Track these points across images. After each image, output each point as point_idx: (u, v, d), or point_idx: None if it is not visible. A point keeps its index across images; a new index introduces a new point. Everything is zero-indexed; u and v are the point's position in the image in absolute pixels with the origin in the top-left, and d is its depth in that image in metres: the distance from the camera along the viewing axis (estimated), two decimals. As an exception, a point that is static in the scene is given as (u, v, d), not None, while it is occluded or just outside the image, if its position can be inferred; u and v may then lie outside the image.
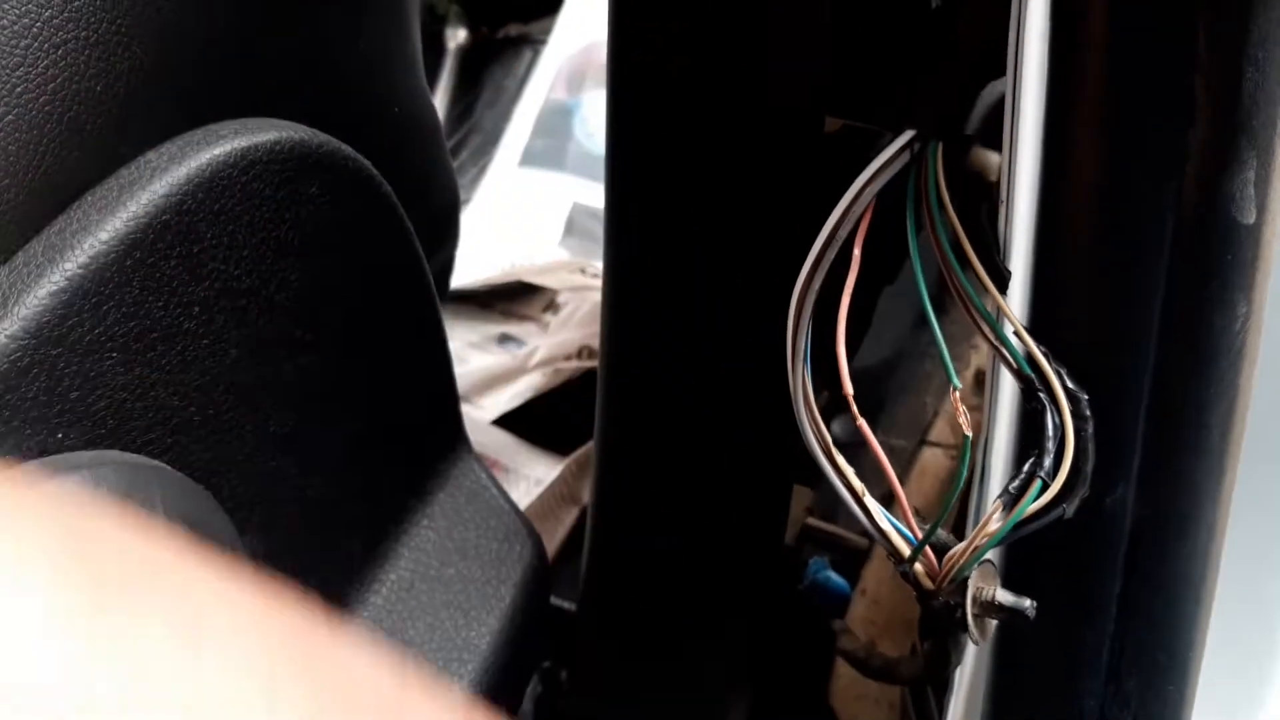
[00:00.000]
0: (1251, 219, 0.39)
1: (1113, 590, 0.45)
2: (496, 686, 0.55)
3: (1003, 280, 0.43)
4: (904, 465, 0.79)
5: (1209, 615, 0.47)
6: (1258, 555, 0.62)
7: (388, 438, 0.54)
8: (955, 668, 0.52)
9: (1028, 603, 0.43)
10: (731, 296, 0.56)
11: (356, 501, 0.53)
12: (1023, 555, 0.46)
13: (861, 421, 0.41)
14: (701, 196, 0.54)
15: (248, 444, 0.45)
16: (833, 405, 0.98)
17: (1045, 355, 0.42)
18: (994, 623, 0.46)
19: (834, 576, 0.72)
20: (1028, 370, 0.42)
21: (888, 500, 0.48)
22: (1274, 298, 0.41)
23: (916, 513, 0.46)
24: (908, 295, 0.54)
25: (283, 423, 0.46)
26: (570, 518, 0.94)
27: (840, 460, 0.44)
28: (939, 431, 0.80)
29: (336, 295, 0.48)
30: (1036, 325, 0.43)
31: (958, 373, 0.82)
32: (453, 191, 0.61)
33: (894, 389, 0.88)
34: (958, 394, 0.39)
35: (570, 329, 1.11)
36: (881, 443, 0.85)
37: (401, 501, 0.56)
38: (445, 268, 0.62)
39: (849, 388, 0.41)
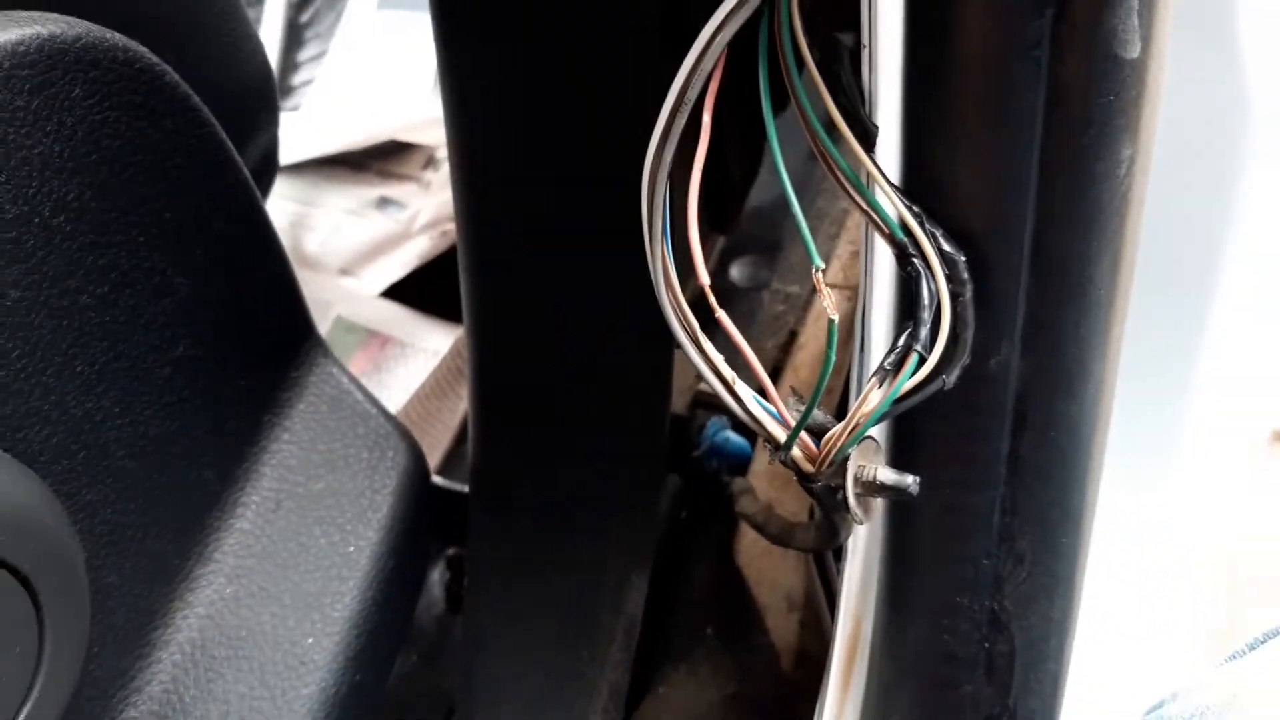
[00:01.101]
0: (1135, 53, 0.35)
1: (1000, 452, 0.43)
2: (383, 597, 0.53)
3: (869, 138, 0.38)
4: (800, 310, 0.77)
5: (1100, 468, 0.46)
6: (1148, 386, 0.61)
7: (226, 354, 0.49)
8: (847, 538, 0.50)
9: (910, 479, 0.41)
10: (586, 168, 0.52)
11: (201, 428, 0.48)
12: (908, 423, 0.44)
13: (722, 315, 0.38)
14: (543, 58, 0.48)
15: (51, 391, 0.40)
16: (728, 249, 0.95)
17: (918, 217, 0.39)
18: (879, 502, 0.44)
19: (733, 436, 0.70)
20: (900, 235, 0.39)
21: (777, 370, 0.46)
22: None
23: (794, 392, 0.43)
24: (789, 139, 0.50)
25: (90, 361, 0.42)
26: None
27: (708, 347, 0.41)
28: (833, 273, 0.77)
29: (132, 208, 0.43)
30: (909, 184, 0.39)
31: (851, 219, 0.79)
32: (262, 66, 0.54)
33: (789, 229, 0.84)
34: (820, 274, 0.36)
35: (454, 186, 1.05)
36: (776, 290, 0.83)
37: (255, 418, 0.52)
38: (268, 152, 0.56)
39: (705, 278, 0.37)
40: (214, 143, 0.46)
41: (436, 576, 0.72)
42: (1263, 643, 0.50)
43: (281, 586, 0.51)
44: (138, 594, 0.47)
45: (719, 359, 0.41)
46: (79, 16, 0.40)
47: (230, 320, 0.49)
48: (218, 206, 0.47)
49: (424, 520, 0.56)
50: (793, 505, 0.68)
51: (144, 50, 0.41)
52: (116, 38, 0.40)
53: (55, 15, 0.39)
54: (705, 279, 0.37)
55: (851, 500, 0.41)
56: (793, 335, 0.76)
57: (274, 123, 0.56)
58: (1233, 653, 0.52)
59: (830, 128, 0.38)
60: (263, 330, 0.52)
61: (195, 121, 0.44)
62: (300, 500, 0.52)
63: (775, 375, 0.77)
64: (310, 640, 0.50)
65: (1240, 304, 0.74)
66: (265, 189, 0.68)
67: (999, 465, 0.44)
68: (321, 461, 0.53)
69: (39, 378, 0.40)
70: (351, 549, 0.52)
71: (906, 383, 0.39)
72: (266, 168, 0.60)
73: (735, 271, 0.91)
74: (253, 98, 0.54)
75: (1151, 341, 0.63)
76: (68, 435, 0.41)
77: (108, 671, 0.46)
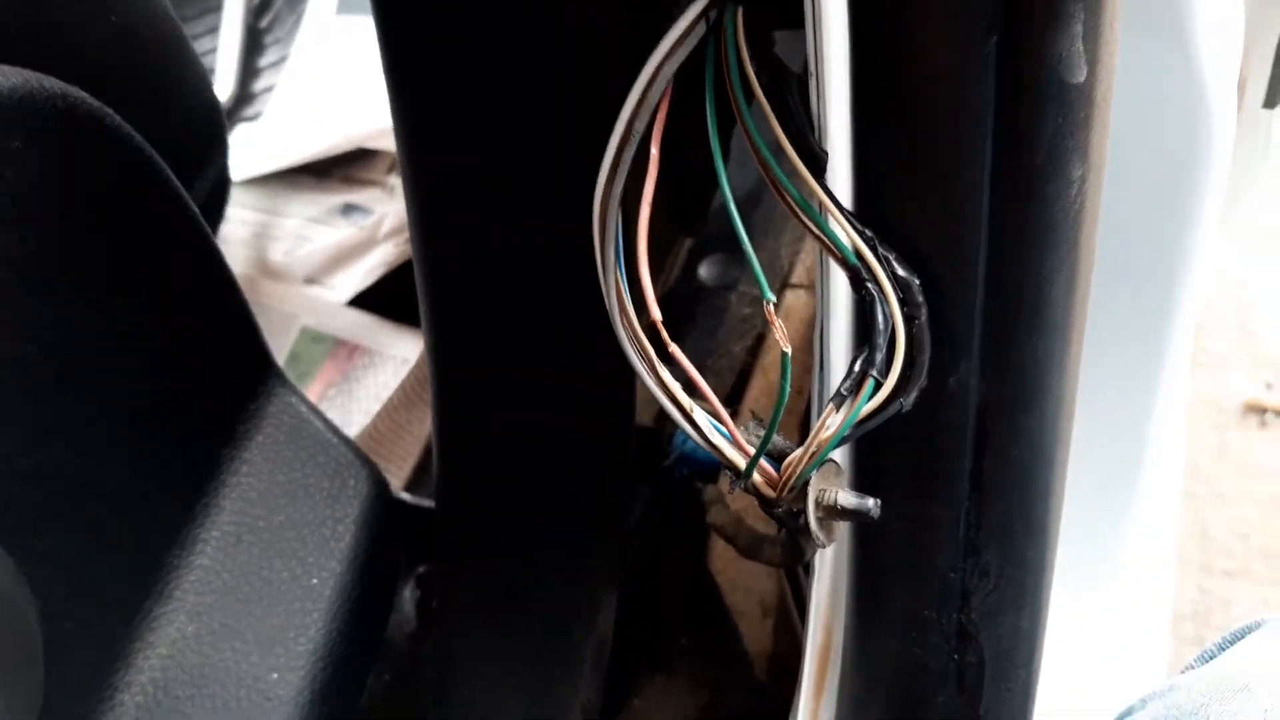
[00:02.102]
0: (1081, 77, 0.34)
1: (963, 469, 0.43)
2: (349, 628, 0.53)
3: (819, 164, 0.38)
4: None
5: (1064, 479, 0.46)
6: (1111, 403, 0.61)
7: (181, 391, 0.48)
8: (813, 555, 0.50)
9: (870, 503, 0.41)
10: (542, 177, 0.51)
11: (156, 467, 0.48)
12: (870, 444, 0.44)
13: (675, 348, 0.37)
14: (494, 84, 0.47)
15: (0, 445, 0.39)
16: (696, 248, 0.94)
17: (870, 243, 0.38)
18: (842, 524, 0.44)
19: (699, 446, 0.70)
20: (854, 260, 0.38)
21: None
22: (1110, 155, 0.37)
23: (754, 416, 0.43)
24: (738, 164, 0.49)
25: (37, 409, 0.41)
26: (437, 399, 0.90)
27: (665, 375, 0.40)
28: (799, 274, 0.77)
29: (79, 254, 0.42)
30: (862, 209, 0.39)
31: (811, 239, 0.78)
32: (207, 97, 0.53)
33: (756, 228, 0.84)
34: (771, 307, 0.35)
35: (418, 189, 1.04)
36: (742, 293, 0.82)
37: (213, 453, 0.51)
38: (219, 182, 0.55)
39: (656, 313, 0.37)
40: (159, 181, 0.45)
41: (408, 594, 0.72)
42: (1231, 643, 0.50)
43: (244, 622, 0.50)
44: (97, 638, 0.46)
45: (676, 386, 0.41)
46: (15, 63, 0.39)
47: (183, 357, 0.49)
48: (165, 245, 0.46)
49: (389, 546, 0.56)
50: (760, 521, 0.68)
51: (83, 95, 0.40)
52: (54, 85, 0.39)
53: (-12, 63, 0.38)
54: (657, 315, 0.37)
55: (814, 524, 0.41)
56: (760, 338, 0.75)
57: (223, 154, 0.55)
58: (1202, 653, 0.52)
59: (780, 155, 0.38)
60: (218, 365, 0.51)
61: (139, 162, 0.44)
62: (261, 534, 0.52)
63: (744, 377, 0.77)
64: (275, 675, 0.50)
65: (1205, 290, 0.74)
66: (215, 221, 0.67)
67: (962, 481, 0.44)
68: (282, 493, 0.52)
69: (-17, 431, 0.39)
70: (315, 581, 0.52)
71: (864, 407, 0.38)
72: (217, 199, 0.59)
73: (704, 271, 0.90)
74: (200, 130, 0.53)
75: (1118, 335, 0.63)
76: (17, 487, 0.41)
77: (67, 716, 0.45)
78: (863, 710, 0.53)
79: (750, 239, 0.92)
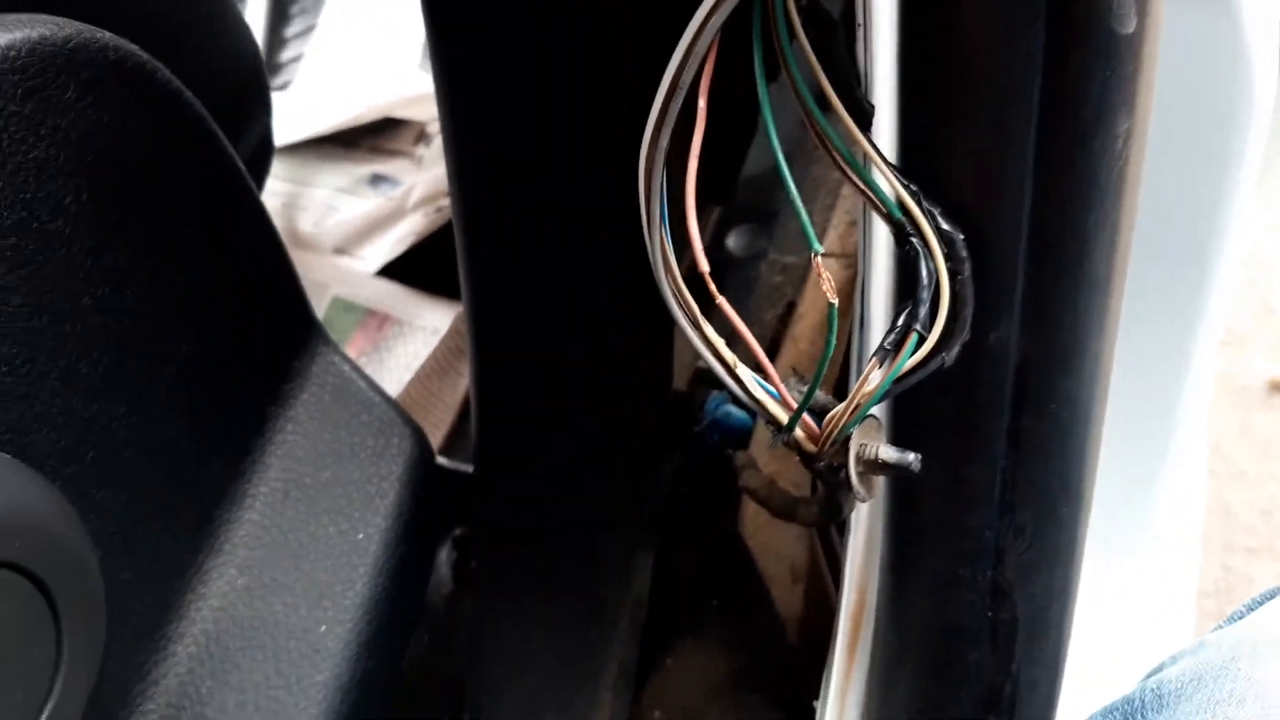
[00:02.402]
0: (1131, 28, 0.35)
1: (1000, 427, 0.44)
2: (394, 584, 0.54)
3: (865, 116, 0.38)
4: (797, 282, 0.77)
5: (1099, 440, 0.46)
6: (1144, 369, 0.61)
7: (229, 348, 0.49)
8: (849, 513, 0.51)
9: (911, 457, 0.41)
10: (584, 141, 0.51)
11: (207, 424, 0.49)
12: (909, 400, 0.44)
13: (722, 301, 0.38)
14: (540, 47, 0.48)
15: (58, 394, 0.40)
16: (725, 219, 0.95)
17: (915, 196, 0.39)
18: (881, 479, 0.44)
19: (734, 410, 0.71)
20: (898, 214, 0.39)
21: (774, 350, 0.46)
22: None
23: (795, 372, 0.44)
24: (784, 117, 0.49)
25: (95, 363, 0.42)
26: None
27: (709, 330, 0.41)
28: (830, 242, 0.77)
29: (130, 209, 0.43)
30: (906, 163, 0.39)
31: (847, 187, 0.78)
32: (253, 56, 0.53)
33: (784, 202, 0.84)
34: (819, 258, 0.36)
35: (447, 162, 1.04)
36: (773, 261, 0.82)
37: (260, 411, 0.52)
38: (263, 140, 0.55)
39: (704, 264, 0.37)
40: (208, 137, 0.45)
41: (444, 557, 0.73)
42: (1260, 604, 0.51)
43: (293, 576, 0.51)
44: (152, 589, 0.47)
45: (719, 342, 0.41)
46: (67, 16, 0.39)
47: (231, 314, 0.49)
48: (214, 201, 0.47)
49: (432, 504, 0.57)
50: (795, 477, 0.68)
51: (134, 48, 0.41)
52: (106, 36, 0.40)
53: (44, 16, 0.39)
54: (704, 265, 0.37)
55: (854, 479, 0.41)
56: (791, 306, 0.76)
57: (267, 111, 0.56)
58: (1231, 614, 0.53)
59: (825, 106, 0.38)
60: (264, 322, 0.52)
61: (189, 117, 0.44)
62: (308, 490, 0.53)
63: (775, 347, 0.77)
64: (323, 628, 0.51)
65: (1239, 263, 0.74)
66: (260, 178, 0.68)
67: (999, 439, 0.44)
68: (327, 451, 0.53)
69: (44, 382, 0.40)
70: (360, 536, 0.53)
71: (907, 362, 0.39)
72: (262, 157, 0.59)
73: (732, 241, 0.91)
74: (245, 88, 0.53)
75: (1153, 303, 0.64)
76: (76, 438, 0.41)
77: (124, 668, 0.46)
78: (895, 669, 0.54)
79: (780, 210, 0.92)
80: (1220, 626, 0.53)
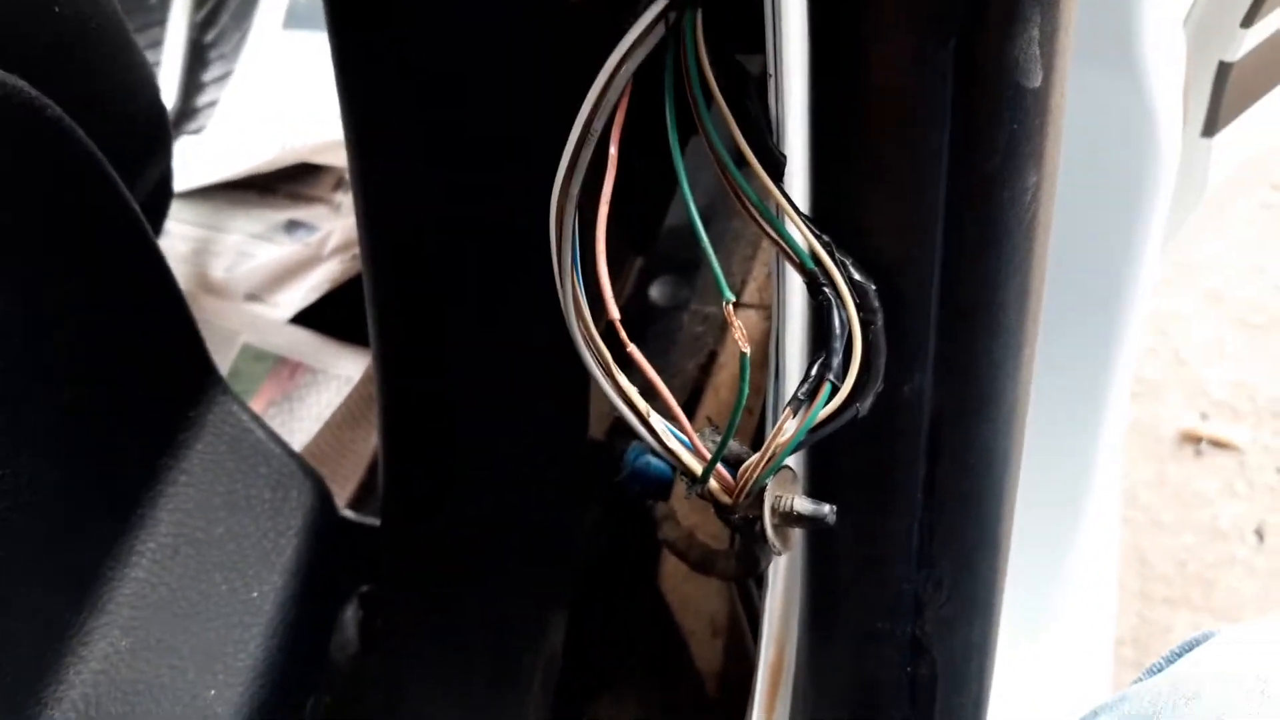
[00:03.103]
0: (1037, 82, 0.35)
1: (917, 478, 0.43)
2: (290, 644, 0.51)
3: (778, 167, 0.38)
4: (718, 331, 0.76)
5: (1016, 490, 0.46)
6: (1059, 419, 0.62)
7: (118, 395, 0.47)
8: (767, 566, 0.50)
9: (826, 509, 0.40)
10: (494, 188, 0.50)
11: (91, 474, 0.46)
12: (824, 451, 0.44)
13: (634, 349, 0.37)
14: (445, 87, 0.47)
15: (-79, 443, 0.38)
16: (647, 268, 0.94)
17: (827, 247, 0.38)
18: (797, 531, 0.44)
19: (654, 461, 0.69)
20: (811, 265, 0.38)
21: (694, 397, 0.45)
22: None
23: (710, 422, 0.43)
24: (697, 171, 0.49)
25: (-36, 408, 0.39)
26: (383, 417, 0.88)
27: (622, 380, 0.40)
28: (750, 293, 0.77)
29: (15, 247, 0.40)
30: (818, 214, 0.39)
31: (766, 240, 0.78)
32: (152, 96, 0.52)
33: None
34: (730, 308, 0.35)
35: (366, 207, 1.02)
36: (695, 311, 0.82)
37: (150, 461, 0.49)
38: (162, 182, 0.53)
39: (614, 313, 0.36)
40: (99, 177, 0.44)
41: (350, 615, 0.70)
42: (1179, 656, 0.50)
43: (180, 637, 0.48)
44: (25, 652, 0.44)
45: (633, 391, 0.40)
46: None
47: (122, 360, 0.47)
48: (104, 241, 0.45)
49: (333, 560, 0.54)
50: (714, 528, 0.67)
51: (23, 84, 0.39)
52: (-11, 70, 0.38)
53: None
54: (615, 313, 0.36)
55: (770, 531, 0.40)
56: (712, 356, 0.75)
57: (166, 155, 0.54)
58: (1150, 666, 0.53)
59: (738, 158, 0.38)
60: (158, 369, 0.50)
61: (79, 155, 0.42)
62: (199, 545, 0.50)
63: (696, 396, 0.77)
64: (213, 692, 0.48)
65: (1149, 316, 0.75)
66: (158, 222, 0.66)
67: (916, 491, 0.44)
68: (221, 504, 0.51)
69: (-93, 431, 0.37)
70: (255, 594, 0.50)
71: (821, 411, 0.38)
72: (160, 201, 0.57)
73: (655, 291, 0.90)
74: (143, 130, 0.51)
75: (1065, 356, 0.64)
76: (-59, 489, 0.39)
77: (-6, 735, 0.43)
78: (815, 726, 0.52)
79: (701, 260, 0.92)
80: (1141, 679, 0.52)
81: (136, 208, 0.45)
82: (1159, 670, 0.51)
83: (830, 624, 0.49)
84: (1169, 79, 0.60)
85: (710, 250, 0.35)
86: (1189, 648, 0.51)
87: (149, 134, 0.53)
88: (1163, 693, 0.45)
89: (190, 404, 0.51)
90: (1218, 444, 1.56)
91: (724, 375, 0.74)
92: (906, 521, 0.44)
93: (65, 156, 0.42)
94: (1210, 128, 0.76)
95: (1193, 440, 1.58)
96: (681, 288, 0.88)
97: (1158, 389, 1.62)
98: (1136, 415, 1.58)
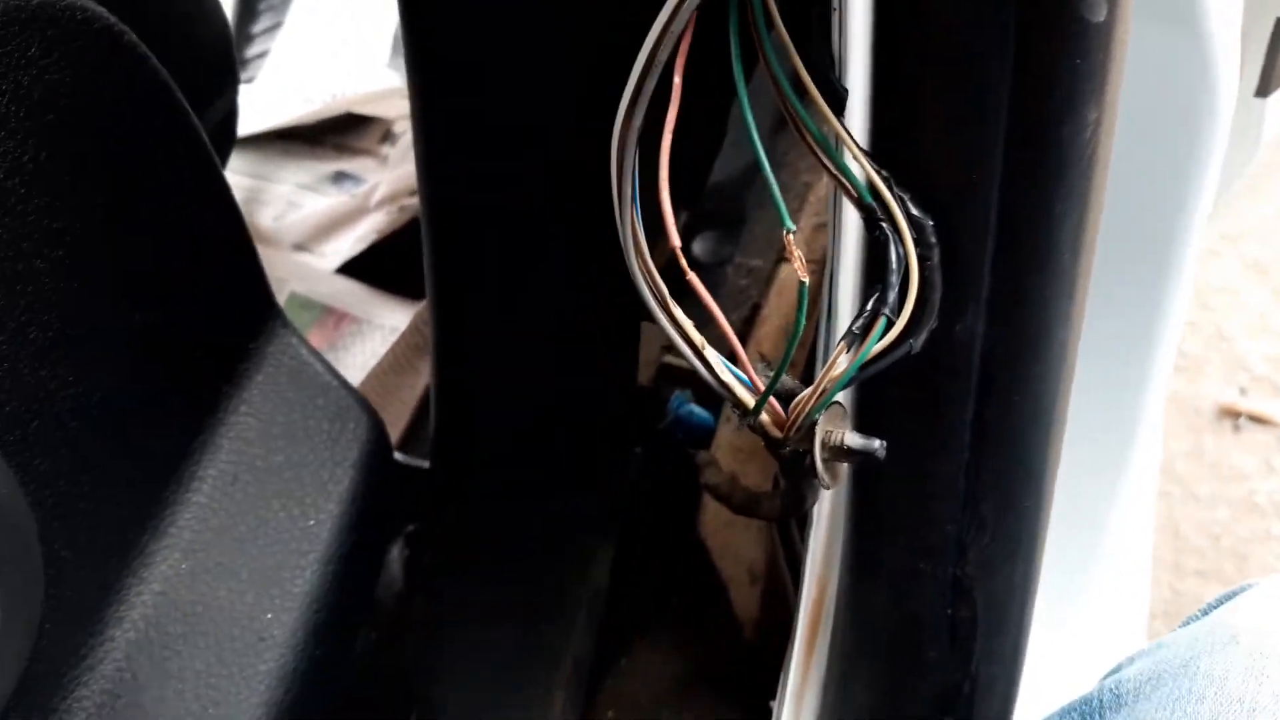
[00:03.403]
0: (1102, 16, 0.35)
1: (965, 418, 0.44)
2: (345, 572, 0.52)
3: (839, 100, 0.38)
4: (763, 285, 0.77)
5: (1062, 433, 0.46)
6: (1108, 362, 0.62)
7: (183, 323, 0.48)
8: (812, 505, 0.50)
9: (876, 444, 0.41)
10: (555, 132, 0.51)
11: (157, 399, 0.47)
12: (874, 389, 0.44)
13: (693, 277, 0.37)
14: (510, 24, 0.47)
15: (4, 358, 0.39)
16: (691, 225, 0.95)
17: (886, 180, 0.39)
18: (845, 466, 0.44)
19: (696, 409, 0.70)
20: (869, 199, 0.39)
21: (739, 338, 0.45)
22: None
23: (763, 358, 0.43)
24: (759, 103, 0.49)
25: (45, 326, 0.40)
26: (428, 367, 0.90)
27: (677, 312, 0.41)
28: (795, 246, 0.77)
29: (89, 172, 0.42)
30: (878, 148, 0.39)
31: (816, 185, 0.78)
32: (222, 30, 0.52)
33: (752, 203, 0.84)
34: (791, 236, 0.36)
35: (411, 161, 1.03)
36: (739, 264, 0.82)
37: (213, 390, 0.51)
38: (227, 118, 0.54)
39: (676, 240, 0.37)
40: (172, 105, 0.45)
41: (395, 554, 0.72)
42: (1215, 607, 0.51)
43: (239, 561, 0.50)
44: (91, 569, 0.46)
45: (688, 323, 0.41)
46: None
47: (188, 288, 0.48)
48: (176, 170, 0.46)
49: (387, 491, 0.56)
50: (755, 478, 0.68)
51: (102, 10, 0.40)
52: (72, -4, 0.39)
53: (4, -30, 0.38)
54: (676, 240, 0.37)
55: (819, 465, 0.41)
56: (756, 308, 0.76)
57: (233, 88, 0.55)
58: (1187, 618, 0.53)
59: (800, 91, 0.38)
60: (221, 300, 0.51)
61: (153, 84, 0.43)
62: (259, 473, 0.51)
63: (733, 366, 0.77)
64: (269, 615, 0.49)
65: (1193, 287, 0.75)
66: (223, 156, 0.67)
67: (964, 431, 0.44)
68: (281, 434, 0.52)
69: (-12, 345, 0.38)
70: (311, 522, 0.51)
71: (874, 346, 0.39)
72: (225, 134, 0.58)
73: (698, 247, 0.91)
74: (212, 62, 0.52)
75: (1111, 316, 0.64)
76: (21, 404, 0.40)
77: (59, 648, 0.45)
78: (853, 665, 0.53)
79: (746, 216, 0.92)
80: (1176, 630, 0.53)
81: (205, 138, 0.46)
82: (1196, 621, 0.51)
83: (873, 564, 0.50)
84: (1226, 34, 0.60)
85: (771, 175, 0.36)
86: (1227, 598, 0.51)
87: (218, 68, 0.54)
88: (1199, 637, 0.46)
89: (252, 336, 0.52)
90: (1257, 419, 1.55)
91: (767, 328, 0.75)
92: (953, 461, 0.45)
93: (141, 83, 0.43)
94: (1265, 88, 0.75)
95: (1231, 415, 1.56)
96: (725, 244, 0.88)
97: (1198, 363, 1.61)
98: (1175, 388, 1.57)
